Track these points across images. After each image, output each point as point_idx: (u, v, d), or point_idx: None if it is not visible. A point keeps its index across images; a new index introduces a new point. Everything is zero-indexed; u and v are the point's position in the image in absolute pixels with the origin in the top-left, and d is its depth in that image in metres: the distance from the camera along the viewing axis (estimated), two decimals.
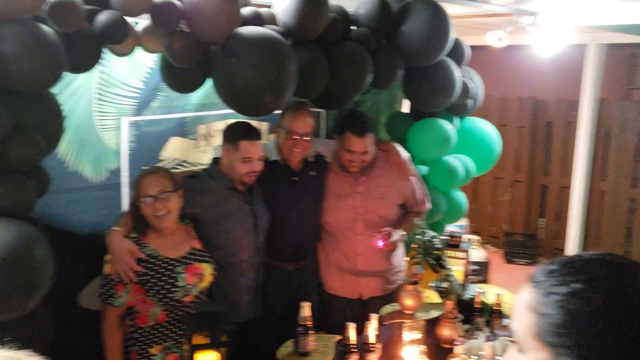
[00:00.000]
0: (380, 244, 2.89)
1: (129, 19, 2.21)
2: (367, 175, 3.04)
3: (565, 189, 6.64)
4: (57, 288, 2.23)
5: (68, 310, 2.45)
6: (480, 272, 5.77)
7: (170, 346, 2.42)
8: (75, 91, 2.47)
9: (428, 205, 3.20)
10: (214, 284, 2.56)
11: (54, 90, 2.26)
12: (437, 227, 3.45)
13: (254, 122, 3.03)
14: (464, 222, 6.01)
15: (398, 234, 2.94)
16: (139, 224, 2.41)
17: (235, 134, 2.68)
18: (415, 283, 2.57)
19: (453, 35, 3.05)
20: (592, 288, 0.88)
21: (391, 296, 3.07)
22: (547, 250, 6.94)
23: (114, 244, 2.33)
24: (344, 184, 3.06)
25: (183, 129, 2.98)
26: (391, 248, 2.96)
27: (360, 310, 3.06)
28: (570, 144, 6.56)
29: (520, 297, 0.98)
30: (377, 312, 2.65)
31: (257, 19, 2.57)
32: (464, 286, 2.81)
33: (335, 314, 3.07)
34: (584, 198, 6.20)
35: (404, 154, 3.15)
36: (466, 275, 2.88)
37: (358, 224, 3.03)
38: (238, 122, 2.74)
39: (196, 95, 2.91)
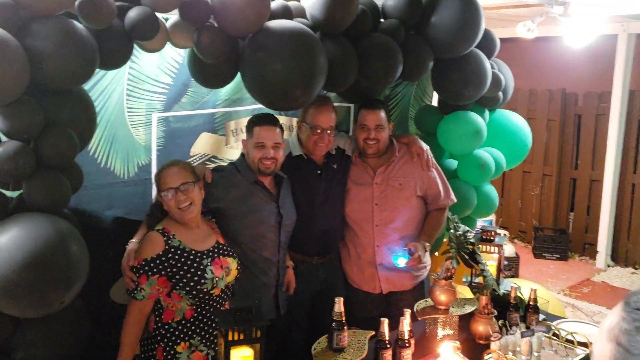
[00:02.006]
0: (402, 264, 2.87)
1: (159, 15, 2.21)
2: (386, 165, 3.03)
3: (596, 182, 6.53)
4: (89, 283, 2.26)
5: (100, 305, 2.46)
6: (510, 267, 5.71)
7: (196, 343, 2.39)
8: (106, 87, 2.47)
9: (452, 198, 3.15)
10: (236, 281, 2.55)
11: (86, 86, 2.29)
12: (468, 221, 3.40)
13: (282, 118, 3.04)
14: (492, 217, 5.94)
15: (422, 247, 2.91)
16: (162, 216, 2.42)
17: (251, 122, 2.69)
18: (449, 278, 2.53)
19: (483, 26, 3.00)
20: None
21: (414, 292, 3.05)
22: (577, 245, 6.82)
23: (148, 241, 2.35)
24: (363, 174, 3.06)
25: (213, 125, 2.97)
26: (415, 265, 2.93)
27: (382, 305, 3.05)
28: (600, 136, 6.45)
29: (608, 318, 0.84)
30: (399, 307, 2.62)
31: (286, 13, 2.56)
32: (497, 281, 2.76)
33: (359, 309, 3.05)
34: (614, 192, 6.09)
35: (424, 145, 3.13)
36: (500, 270, 2.83)
37: (376, 215, 3.02)
38: (258, 113, 2.75)
39: (226, 91, 2.91)
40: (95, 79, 2.40)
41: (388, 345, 2.30)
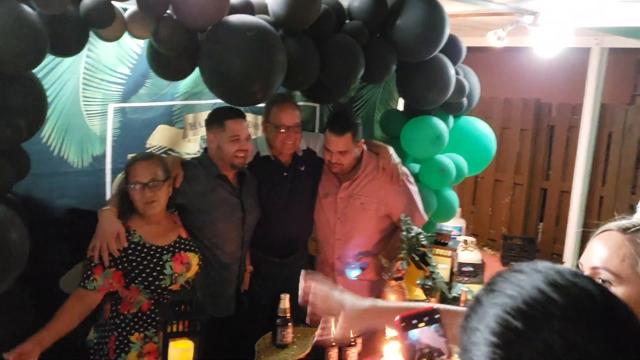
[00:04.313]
0: (353, 275, 2.87)
1: (116, 4, 2.19)
2: (350, 180, 2.98)
3: (566, 193, 6.58)
4: (38, 272, 2.23)
5: (49, 295, 2.43)
6: (476, 273, 5.73)
7: (151, 335, 2.39)
8: (61, 75, 2.44)
9: (422, 219, 3.08)
10: (197, 276, 2.54)
11: (40, 73, 2.26)
12: (428, 225, 3.41)
13: (249, 115, 3.04)
14: (462, 223, 5.97)
15: (377, 263, 2.90)
16: (125, 209, 2.40)
17: (221, 115, 2.68)
18: (399, 279, 2.54)
19: (448, 31, 3.02)
20: None
21: None
22: (544, 255, 6.87)
23: (103, 222, 2.31)
24: (329, 184, 3.04)
25: (170, 118, 2.95)
26: (368, 279, 2.92)
27: None
28: (572, 148, 6.49)
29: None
30: None
31: (247, 8, 2.56)
32: (449, 284, 2.77)
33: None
34: (582, 203, 6.15)
35: (396, 159, 3.06)
36: (452, 273, 2.84)
37: (337, 229, 3.01)
38: (222, 107, 2.74)
39: (185, 84, 2.89)
40: (50, 66, 2.37)
41: (334, 344, 2.30)
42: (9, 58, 1.87)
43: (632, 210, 6.15)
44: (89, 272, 2.27)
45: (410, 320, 1.10)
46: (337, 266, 3.03)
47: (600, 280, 1.23)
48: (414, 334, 1.08)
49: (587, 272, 1.26)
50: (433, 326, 1.10)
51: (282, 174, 2.98)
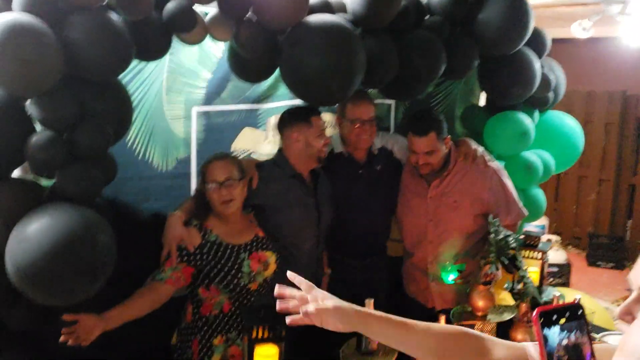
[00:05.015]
0: (450, 279, 2.77)
1: (198, 8, 2.21)
2: (440, 178, 2.87)
3: None
4: (126, 275, 2.28)
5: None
6: (561, 274, 5.51)
7: (233, 337, 2.41)
8: (145, 80, 2.49)
9: (520, 215, 2.94)
10: (275, 276, 2.53)
11: (124, 79, 2.31)
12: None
13: (327, 115, 3.03)
14: (544, 222, 5.76)
15: (479, 265, 2.76)
16: (202, 210, 2.42)
17: (305, 113, 2.69)
18: (487, 283, 2.45)
19: (532, 24, 2.89)
20: None
21: None
22: (634, 254, 6.51)
23: (168, 228, 2.35)
24: (417, 186, 2.93)
25: (254, 120, 2.96)
26: (464, 282, 2.80)
27: (430, 319, 2.94)
28: None
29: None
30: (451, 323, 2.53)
31: (325, 7, 2.53)
32: (540, 289, 2.64)
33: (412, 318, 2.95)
34: None
35: (477, 147, 2.95)
36: (543, 277, 2.71)
37: (430, 231, 2.90)
38: (297, 106, 2.75)
39: (267, 86, 2.90)
40: (134, 71, 2.42)
41: None
42: (96, 65, 1.91)
43: None
44: (162, 267, 2.31)
45: (550, 315, 0.98)
46: (430, 271, 2.93)
47: None
48: (555, 331, 0.97)
49: (636, 292, 1.05)
50: (575, 322, 0.98)
51: (357, 171, 2.94)
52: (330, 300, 1.43)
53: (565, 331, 0.97)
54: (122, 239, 2.12)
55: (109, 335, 2.04)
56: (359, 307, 1.41)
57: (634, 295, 1.02)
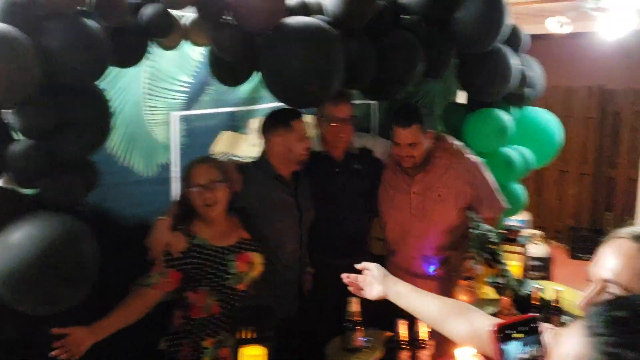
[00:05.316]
0: (431, 270, 2.79)
1: (175, 12, 2.22)
2: (424, 172, 2.90)
3: (634, 181, 6.33)
4: (108, 282, 2.28)
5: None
6: (543, 268, 5.56)
7: (223, 339, 2.41)
8: (124, 86, 2.49)
9: (500, 207, 2.98)
10: (261, 278, 2.54)
11: (103, 85, 2.30)
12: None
13: (308, 117, 3.03)
14: (526, 216, 5.81)
15: (462, 257, 2.80)
16: (187, 214, 2.42)
17: (286, 117, 2.71)
18: (469, 278, 2.48)
19: (508, 21, 2.92)
20: None
21: None
22: None
23: (154, 233, 2.36)
24: (400, 182, 2.95)
25: (234, 123, 2.98)
26: (446, 273, 2.85)
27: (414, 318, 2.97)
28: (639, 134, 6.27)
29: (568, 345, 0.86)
30: None
31: (303, 9, 2.55)
32: (521, 282, 2.68)
33: (397, 314, 2.99)
34: None
35: (461, 146, 3.00)
36: (524, 270, 2.75)
37: (414, 226, 2.93)
38: (281, 109, 2.75)
39: (247, 89, 2.91)
40: (112, 77, 2.42)
41: (405, 346, 2.26)
42: (73, 71, 1.89)
43: None
44: (148, 271, 2.32)
45: (505, 330, 1.01)
46: (413, 268, 2.95)
47: (608, 295, 1.10)
48: (511, 346, 1.00)
49: (595, 285, 1.12)
50: (532, 337, 1.02)
51: (334, 169, 2.96)
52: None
53: (523, 345, 1.00)
54: (106, 246, 2.13)
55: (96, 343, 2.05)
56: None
57: (594, 287, 1.05)
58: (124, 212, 2.60)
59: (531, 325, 1.03)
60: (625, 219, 6.57)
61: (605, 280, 1.13)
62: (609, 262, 1.13)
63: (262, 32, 2.38)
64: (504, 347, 1.00)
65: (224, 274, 2.38)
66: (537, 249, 4.44)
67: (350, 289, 1.87)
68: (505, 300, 2.45)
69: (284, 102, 2.60)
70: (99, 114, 2.10)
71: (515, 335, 1.01)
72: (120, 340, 2.19)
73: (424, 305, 1.67)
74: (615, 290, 1.11)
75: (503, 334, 1.01)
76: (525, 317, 1.05)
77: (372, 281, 1.78)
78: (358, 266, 1.87)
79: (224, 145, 2.94)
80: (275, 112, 2.77)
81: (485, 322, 1.40)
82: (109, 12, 1.96)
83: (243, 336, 1.95)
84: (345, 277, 1.86)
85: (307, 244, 2.91)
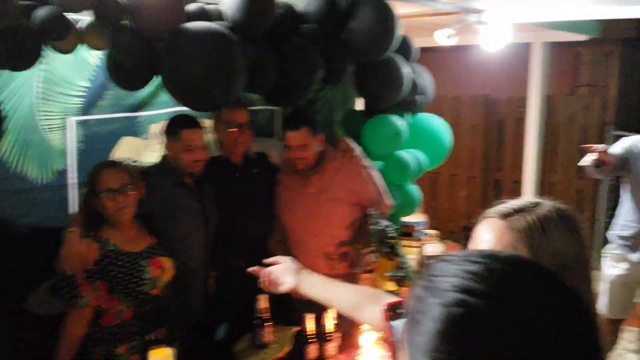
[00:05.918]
0: (337, 266, 2.89)
1: (70, 15, 2.18)
2: (318, 174, 3.00)
3: (518, 182, 6.80)
4: (4, 292, 2.18)
5: (14, 315, 2.38)
6: None
7: (137, 345, 2.33)
8: (16, 90, 2.40)
9: (388, 204, 3.15)
10: (169, 282, 2.52)
11: None
12: (392, 219, 3.47)
13: (207, 121, 3.04)
14: (423, 218, 6.08)
15: (359, 251, 2.92)
16: (94, 220, 2.35)
17: (175, 125, 2.68)
18: (370, 272, 2.59)
19: (399, 32, 3.10)
20: None
21: None
22: None
23: (66, 246, 2.25)
24: (295, 184, 3.04)
25: (134, 128, 2.93)
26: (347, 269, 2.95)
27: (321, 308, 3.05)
28: (521, 139, 6.73)
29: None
30: None
31: (203, 15, 2.57)
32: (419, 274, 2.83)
33: (302, 311, 3.05)
34: (535, 190, 6.36)
35: (358, 150, 3.14)
36: (422, 264, 2.91)
37: (311, 225, 3.01)
38: (177, 115, 2.74)
39: (147, 93, 2.88)
40: (4, 81, 2.33)
41: (313, 340, 2.33)
42: None
43: (579, 194, 6.42)
44: (76, 291, 2.22)
45: (395, 309, 1.07)
46: (316, 267, 3.01)
47: None
48: (401, 323, 1.06)
49: None
50: None
51: (234, 174, 2.99)
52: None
53: None
54: (0, 255, 2.04)
55: None
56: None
57: None
58: (18, 220, 2.49)
59: None
60: None
61: None
62: (481, 240, 1.20)
63: (162, 37, 2.38)
64: (393, 323, 1.06)
65: (139, 280, 2.34)
66: (433, 247, 4.69)
67: (261, 285, 1.87)
68: (405, 291, 2.57)
69: (185, 106, 2.61)
70: None
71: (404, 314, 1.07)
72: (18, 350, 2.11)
73: (340, 294, 1.70)
74: None
75: (393, 312, 1.07)
76: None
77: (283, 274, 1.79)
78: (269, 260, 1.87)
79: (124, 151, 2.89)
80: (173, 118, 2.75)
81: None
82: None
83: (153, 338, 1.93)
84: (254, 270, 1.87)
85: (211, 250, 2.91)
